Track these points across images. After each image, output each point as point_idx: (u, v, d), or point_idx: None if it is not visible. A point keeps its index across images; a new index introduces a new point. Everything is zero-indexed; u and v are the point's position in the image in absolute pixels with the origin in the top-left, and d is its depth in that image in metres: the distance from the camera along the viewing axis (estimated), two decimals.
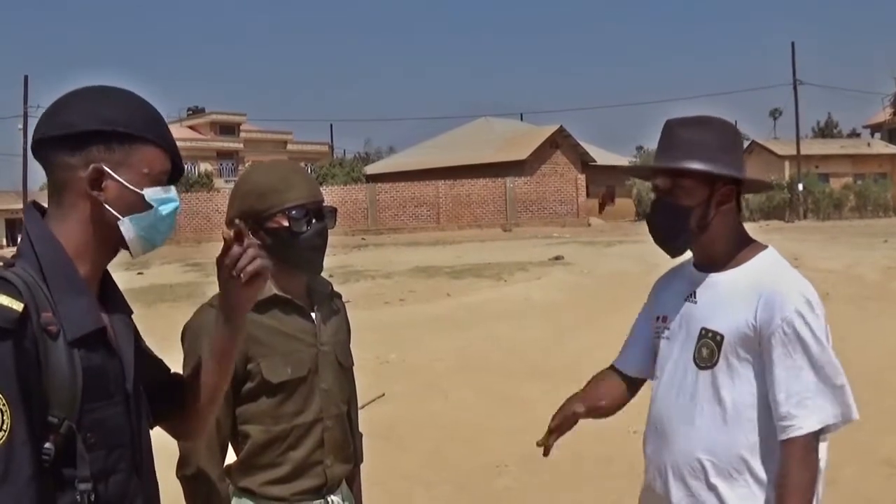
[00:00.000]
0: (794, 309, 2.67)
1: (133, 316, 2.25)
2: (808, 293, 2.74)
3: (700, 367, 2.81)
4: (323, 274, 3.22)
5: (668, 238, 2.91)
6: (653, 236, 2.95)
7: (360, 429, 3.38)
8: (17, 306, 1.85)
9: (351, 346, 3.32)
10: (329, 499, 3.07)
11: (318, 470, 3.04)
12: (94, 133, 2.03)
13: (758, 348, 2.72)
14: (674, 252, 2.96)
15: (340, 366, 3.17)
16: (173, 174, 2.19)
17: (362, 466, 3.42)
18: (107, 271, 2.18)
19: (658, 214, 2.92)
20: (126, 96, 2.14)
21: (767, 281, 2.76)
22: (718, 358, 2.77)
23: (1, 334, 1.82)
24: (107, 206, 2.05)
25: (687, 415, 2.83)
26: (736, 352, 2.75)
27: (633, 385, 3.22)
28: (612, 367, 3.27)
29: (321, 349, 3.09)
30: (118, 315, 2.17)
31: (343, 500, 3.15)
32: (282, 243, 2.98)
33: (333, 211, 3.12)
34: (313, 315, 3.12)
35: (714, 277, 2.88)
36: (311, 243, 3.00)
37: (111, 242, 2.10)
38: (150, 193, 2.09)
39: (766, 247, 2.92)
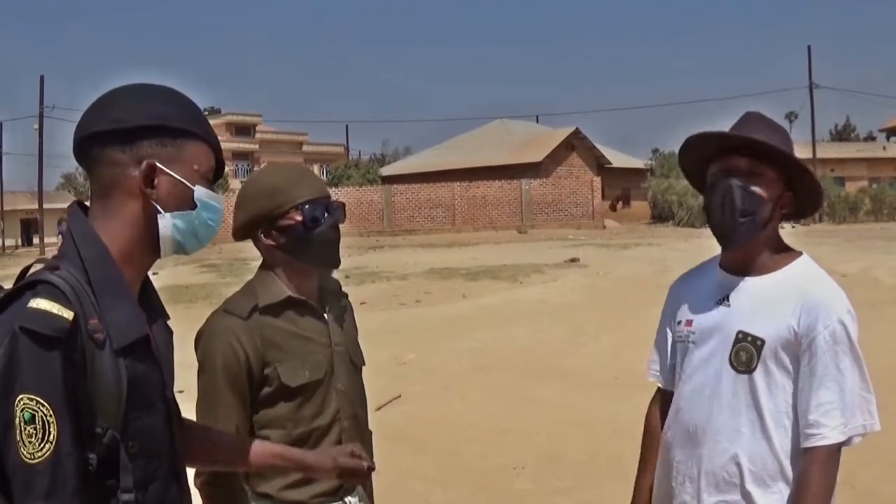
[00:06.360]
0: (837, 318, 2.65)
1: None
2: (848, 303, 2.72)
3: (738, 371, 2.75)
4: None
5: (739, 224, 2.73)
6: (714, 220, 2.79)
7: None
8: (68, 315, 1.82)
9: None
10: (347, 500, 3.06)
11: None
12: (146, 128, 1.99)
13: (797, 354, 2.69)
14: (731, 241, 2.79)
15: (354, 365, 3.17)
16: (217, 172, 2.17)
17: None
18: (146, 275, 2.16)
19: (734, 196, 2.72)
20: (172, 92, 2.11)
21: (809, 287, 2.72)
22: (757, 363, 2.72)
23: (51, 343, 1.79)
24: (156, 205, 2.01)
25: (724, 420, 2.77)
26: (776, 357, 2.70)
27: None
28: (660, 392, 3.17)
29: (335, 349, 3.08)
30: (158, 320, 2.15)
31: (360, 502, 3.14)
32: (297, 239, 2.97)
33: (342, 206, 3.12)
34: (326, 315, 3.11)
35: (749, 281, 2.82)
36: (326, 236, 3.00)
37: (157, 243, 2.06)
38: (199, 192, 2.06)
39: (800, 253, 2.87)
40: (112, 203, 2.02)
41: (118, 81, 2.11)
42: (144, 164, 1.99)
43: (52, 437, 1.78)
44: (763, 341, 2.71)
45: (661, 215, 56.90)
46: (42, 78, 54.00)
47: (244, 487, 2.98)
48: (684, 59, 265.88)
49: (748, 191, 2.73)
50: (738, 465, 2.74)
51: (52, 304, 1.82)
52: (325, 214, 3.01)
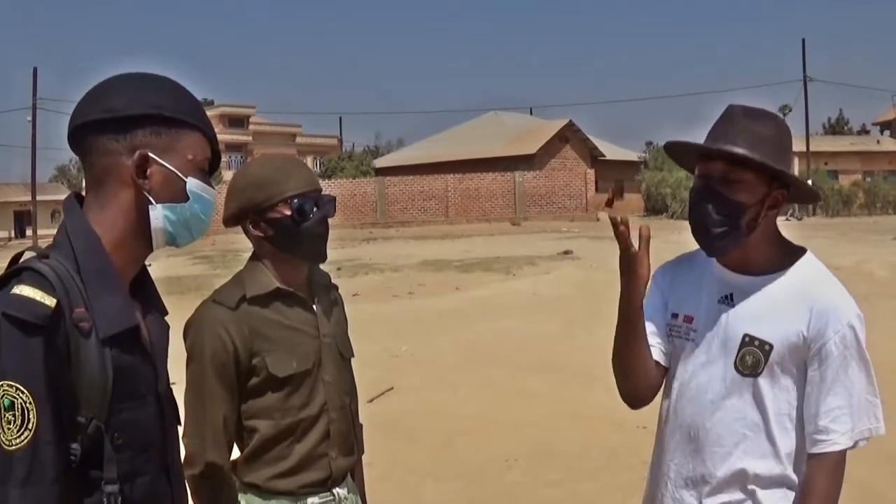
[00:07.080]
0: (847, 323, 2.60)
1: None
2: (856, 306, 2.67)
3: (743, 375, 2.68)
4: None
5: (716, 235, 2.66)
6: (695, 229, 2.72)
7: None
8: (50, 301, 1.81)
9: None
10: (335, 491, 3.06)
11: (324, 462, 3.03)
12: (140, 117, 1.98)
13: (804, 359, 2.64)
14: (716, 250, 2.72)
15: (342, 357, 3.17)
16: (212, 162, 2.15)
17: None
18: (144, 268, 2.14)
19: (708, 205, 2.65)
20: (168, 81, 2.09)
21: (819, 291, 2.65)
22: (764, 367, 2.65)
23: (32, 330, 1.78)
24: (148, 195, 2.00)
25: (727, 423, 2.71)
26: (783, 362, 2.64)
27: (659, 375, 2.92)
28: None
29: (324, 341, 3.08)
30: (153, 313, 2.13)
31: (349, 493, 3.14)
32: (285, 232, 2.97)
33: (333, 199, 3.12)
34: (314, 307, 3.11)
35: (755, 281, 2.72)
36: (314, 230, 3.00)
37: (150, 234, 2.04)
38: (191, 184, 2.05)
39: (804, 250, 2.79)
40: (105, 192, 2.00)
41: (112, 72, 2.10)
42: (137, 153, 1.97)
43: (31, 425, 1.76)
44: (771, 346, 2.64)
45: (654, 208, 57.03)
46: (35, 70, 54.06)
47: (232, 478, 2.97)
48: (679, 52, 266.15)
49: (726, 200, 2.64)
50: (742, 469, 2.69)
51: (35, 290, 1.81)
52: (315, 208, 3.00)
